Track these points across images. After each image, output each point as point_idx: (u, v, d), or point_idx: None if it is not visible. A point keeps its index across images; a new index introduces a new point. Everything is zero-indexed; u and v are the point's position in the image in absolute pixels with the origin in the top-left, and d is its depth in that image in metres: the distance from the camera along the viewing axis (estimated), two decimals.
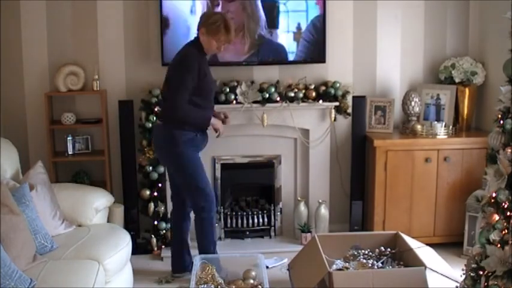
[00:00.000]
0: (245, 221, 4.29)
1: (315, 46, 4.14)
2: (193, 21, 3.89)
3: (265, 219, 4.33)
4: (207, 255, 3.39)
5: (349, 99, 4.24)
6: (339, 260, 3.33)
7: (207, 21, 3.42)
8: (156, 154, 3.77)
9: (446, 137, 4.10)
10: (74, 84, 4.07)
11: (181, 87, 3.33)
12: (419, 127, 4.14)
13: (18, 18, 4.07)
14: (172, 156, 3.48)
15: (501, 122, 2.53)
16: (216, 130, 3.56)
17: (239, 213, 4.31)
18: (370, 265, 3.24)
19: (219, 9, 4.01)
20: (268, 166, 4.36)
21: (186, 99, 3.35)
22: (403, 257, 3.36)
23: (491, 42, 4.21)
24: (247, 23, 4.06)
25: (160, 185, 4.13)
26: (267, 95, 4.10)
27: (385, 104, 4.31)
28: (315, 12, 4.10)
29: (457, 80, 4.22)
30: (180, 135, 3.40)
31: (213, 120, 3.52)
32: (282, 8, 4.06)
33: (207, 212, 3.53)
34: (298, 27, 4.10)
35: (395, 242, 3.50)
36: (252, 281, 3.14)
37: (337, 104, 4.20)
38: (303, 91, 4.14)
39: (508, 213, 2.43)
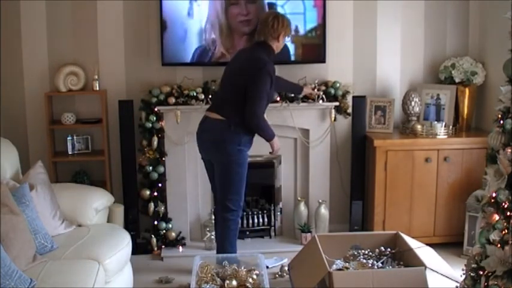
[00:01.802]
0: (245, 221, 4.29)
1: (314, 47, 4.15)
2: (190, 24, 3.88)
3: (265, 219, 4.33)
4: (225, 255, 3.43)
5: (349, 99, 4.24)
6: (339, 260, 3.33)
7: (283, 25, 3.50)
8: (209, 148, 3.56)
9: (446, 137, 4.10)
10: (74, 84, 4.07)
11: (263, 96, 3.41)
12: (419, 127, 4.14)
13: (18, 18, 4.07)
14: (231, 153, 3.46)
15: (501, 122, 2.53)
16: (273, 149, 3.59)
17: None
18: (370, 265, 3.24)
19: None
20: (268, 166, 4.36)
21: (264, 108, 3.47)
22: (403, 257, 3.36)
23: (491, 42, 4.21)
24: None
25: (160, 185, 4.13)
26: None
27: (385, 104, 4.31)
28: (312, 14, 4.09)
29: (457, 80, 4.22)
30: (244, 135, 3.47)
31: (276, 138, 3.57)
32: (279, 10, 4.04)
33: (236, 215, 3.57)
34: (296, 30, 4.09)
35: (395, 242, 3.50)
36: (252, 281, 3.14)
37: (337, 104, 4.20)
38: None
39: (508, 213, 2.43)
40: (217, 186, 3.58)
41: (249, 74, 3.40)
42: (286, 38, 3.60)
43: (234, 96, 3.43)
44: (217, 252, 3.59)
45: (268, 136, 3.52)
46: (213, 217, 4.08)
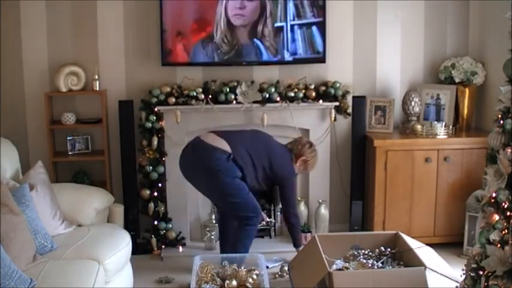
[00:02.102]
0: None
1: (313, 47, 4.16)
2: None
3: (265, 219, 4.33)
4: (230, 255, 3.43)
5: (349, 99, 4.24)
6: (339, 260, 3.33)
7: (306, 152, 3.79)
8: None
9: (446, 137, 4.10)
10: (74, 84, 4.07)
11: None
12: (419, 127, 4.14)
13: (18, 18, 4.07)
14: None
15: (501, 122, 2.53)
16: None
17: None
18: (370, 265, 3.24)
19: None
20: None
21: None
22: (403, 257, 3.35)
23: (491, 42, 4.21)
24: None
25: (160, 185, 4.13)
26: (267, 95, 4.10)
27: (385, 104, 4.31)
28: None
29: (457, 80, 4.22)
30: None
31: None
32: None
33: (254, 222, 3.64)
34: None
35: (395, 242, 3.50)
36: (252, 281, 3.14)
37: (337, 104, 4.20)
38: (303, 91, 4.14)
39: (508, 213, 2.43)
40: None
41: (283, 177, 3.65)
42: (303, 165, 3.79)
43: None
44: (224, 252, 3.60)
45: (299, 240, 3.77)
46: (213, 216, 4.09)
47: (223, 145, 3.49)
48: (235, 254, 3.39)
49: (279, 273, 3.74)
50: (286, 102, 4.12)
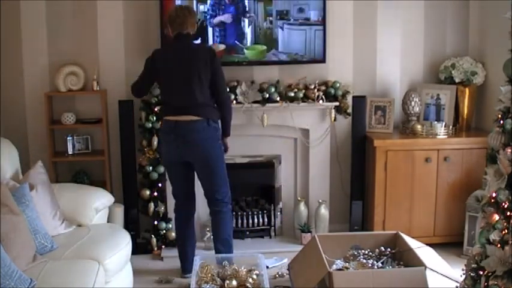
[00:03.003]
0: (245, 221, 4.30)
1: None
2: None
3: (265, 219, 4.33)
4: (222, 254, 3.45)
5: (349, 99, 4.24)
6: (339, 260, 3.33)
7: (195, 16, 3.68)
8: (190, 150, 3.51)
9: (446, 137, 4.10)
10: (74, 84, 4.07)
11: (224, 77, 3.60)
12: (419, 127, 4.14)
13: (18, 18, 4.07)
14: (217, 149, 3.55)
15: (501, 122, 2.53)
16: (226, 147, 3.74)
17: (239, 213, 4.32)
18: (370, 265, 3.24)
19: None
20: (268, 166, 4.36)
21: None
22: (403, 257, 3.36)
23: (491, 42, 4.21)
24: None
25: (160, 185, 4.13)
26: (267, 95, 4.10)
27: (385, 104, 4.31)
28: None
29: (457, 80, 4.22)
30: (219, 128, 3.59)
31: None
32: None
33: (230, 207, 3.67)
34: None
35: (395, 242, 3.50)
36: (252, 281, 3.14)
37: (337, 104, 4.20)
38: (303, 91, 4.14)
39: (508, 213, 2.43)
40: (206, 185, 3.61)
41: (208, 65, 3.46)
42: None
43: (201, 92, 3.46)
44: (219, 244, 3.60)
45: (229, 129, 3.66)
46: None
47: None
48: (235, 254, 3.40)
49: (279, 273, 3.74)
50: (286, 102, 4.12)
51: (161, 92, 3.68)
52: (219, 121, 3.58)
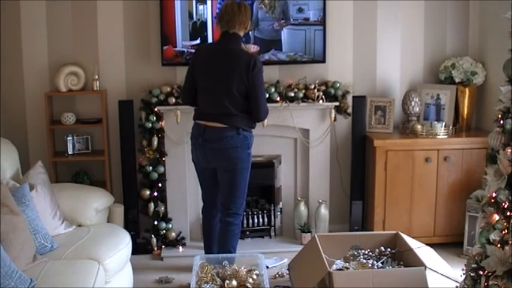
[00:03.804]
0: (245, 221, 4.29)
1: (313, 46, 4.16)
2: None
3: (265, 219, 4.33)
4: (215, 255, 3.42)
5: (349, 99, 4.24)
6: (339, 260, 3.33)
7: (247, 14, 3.37)
8: (216, 157, 3.41)
9: (446, 137, 4.10)
10: (74, 84, 4.07)
11: (263, 90, 3.43)
12: (419, 127, 4.14)
13: (18, 18, 4.07)
14: (243, 158, 3.41)
15: (501, 122, 2.53)
16: None
17: None
18: (370, 265, 3.24)
19: None
20: (268, 166, 4.36)
21: None
22: (403, 257, 3.36)
23: (491, 42, 4.21)
24: None
25: (160, 185, 4.13)
26: (267, 95, 4.10)
27: (385, 104, 4.31)
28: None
29: (457, 80, 4.22)
30: (251, 138, 3.45)
31: None
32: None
33: (240, 220, 3.58)
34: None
35: (395, 242, 3.50)
36: (252, 281, 3.14)
37: (337, 104, 4.20)
38: (303, 91, 4.14)
39: (508, 213, 2.43)
40: (224, 193, 3.51)
41: (244, 79, 3.28)
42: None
43: (231, 104, 3.32)
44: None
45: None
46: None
47: None
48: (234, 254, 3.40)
49: (279, 273, 3.74)
50: (286, 102, 4.11)
51: (197, 93, 3.50)
52: (251, 129, 3.46)
